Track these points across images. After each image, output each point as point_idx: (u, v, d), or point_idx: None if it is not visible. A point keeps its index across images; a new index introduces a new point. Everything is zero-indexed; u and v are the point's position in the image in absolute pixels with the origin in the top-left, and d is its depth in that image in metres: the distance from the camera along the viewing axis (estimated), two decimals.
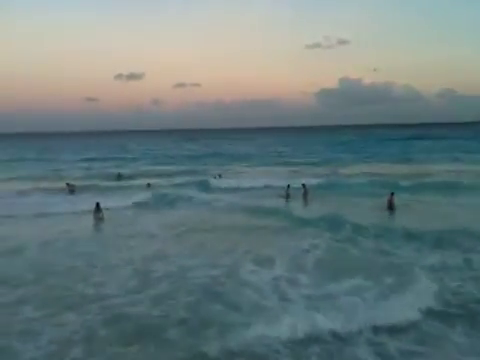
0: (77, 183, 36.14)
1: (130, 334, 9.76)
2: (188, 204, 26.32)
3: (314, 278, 12.57)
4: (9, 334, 9.77)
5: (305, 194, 27.95)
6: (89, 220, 22.38)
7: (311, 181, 31.52)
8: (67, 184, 34.35)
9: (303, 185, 28.37)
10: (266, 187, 32.15)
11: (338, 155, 65.26)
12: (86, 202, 25.14)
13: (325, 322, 9.74)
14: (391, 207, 23.23)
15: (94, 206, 22.80)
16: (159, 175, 43.92)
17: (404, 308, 10.35)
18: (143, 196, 28.67)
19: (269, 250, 15.71)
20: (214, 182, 36.06)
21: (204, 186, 33.83)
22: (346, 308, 10.27)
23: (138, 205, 25.98)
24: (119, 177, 43.02)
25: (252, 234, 18.74)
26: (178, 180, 38.22)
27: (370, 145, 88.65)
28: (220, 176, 38.89)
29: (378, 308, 10.35)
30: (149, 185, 34.65)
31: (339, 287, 11.56)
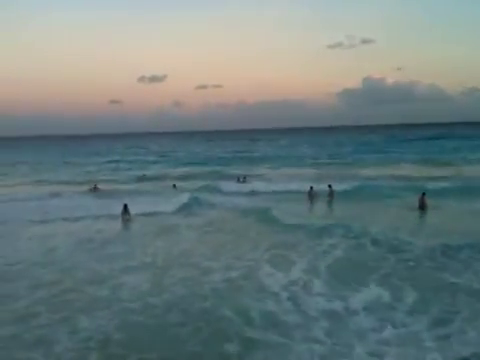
0: (103, 185, 36.72)
1: (146, 343, 9.58)
2: (212, 206, 26.21)
3: (334, 286, 12.26)
4: (24, 342, 9.71)
5: (330, 195, 27.70)
6: (117, 222, 22.66)
7: (336, 183, 31.10)
8: (94, 186, 35.01)
9: (329, 186, 27.99)
10: (290, 190, 31.71)
11: (362, 156, 64.26)
12: (112, 204, 25.61)
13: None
14: (422, 207, 22.84)
15: (122, 208, 23.14)
16: (183, 177, 44.14)
17: None
18: (168, 197, 28.88)
19: (288, 252, 15.56)
20: (238, 185, 36.11)
21: (228, 188, 33.83)
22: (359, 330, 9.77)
23: (163, 206, 26.07)
24: (142, 178, 43.53)
25: (273, 236, 18.47)
26: (202, 182, 38.20)
27: (394, 145, 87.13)
28: (244, 178, 38.85)
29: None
30: (175, 186, 35.02)
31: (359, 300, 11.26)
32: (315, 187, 27.98)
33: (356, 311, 10.67)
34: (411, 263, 14.17)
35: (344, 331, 9.73)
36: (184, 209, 25.46)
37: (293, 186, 32.50)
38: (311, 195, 27.55)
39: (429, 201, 23.21)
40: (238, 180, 38.36)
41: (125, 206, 23.15)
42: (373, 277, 12.79)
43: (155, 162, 68.39)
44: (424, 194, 23.30)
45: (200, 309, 11.13)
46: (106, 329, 10.13)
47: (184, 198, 27.94)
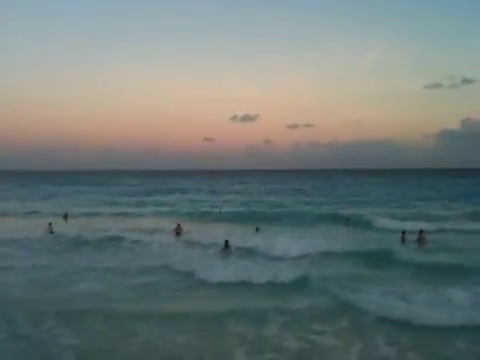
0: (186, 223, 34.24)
1: None
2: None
3: None
4: None
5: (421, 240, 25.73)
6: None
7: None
8: (177, 225, 32.10)
9: (420, 231, 26.19)
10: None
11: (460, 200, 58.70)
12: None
13: None
14: None
15: (223, 243, 23.64)
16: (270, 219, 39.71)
17: None
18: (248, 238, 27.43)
19: None
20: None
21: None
22: None
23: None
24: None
25: None
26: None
27: None
28: (349, 220, 36.77)
29: None
30: (257, 229, 31.78)
31: None
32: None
33: None
34: None
35: None
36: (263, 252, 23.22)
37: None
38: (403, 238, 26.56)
39: None
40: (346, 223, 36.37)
41: (226, 242, 23.56)
42: None
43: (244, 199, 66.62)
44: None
45: None
46: None
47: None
